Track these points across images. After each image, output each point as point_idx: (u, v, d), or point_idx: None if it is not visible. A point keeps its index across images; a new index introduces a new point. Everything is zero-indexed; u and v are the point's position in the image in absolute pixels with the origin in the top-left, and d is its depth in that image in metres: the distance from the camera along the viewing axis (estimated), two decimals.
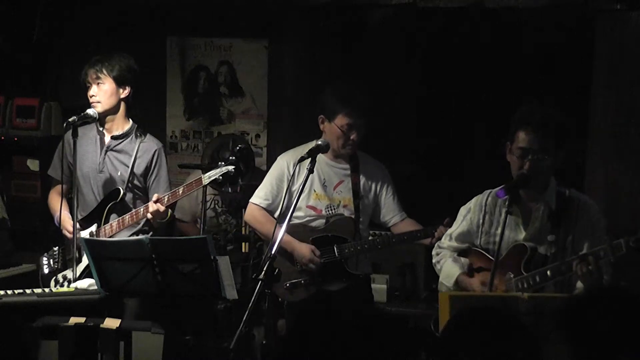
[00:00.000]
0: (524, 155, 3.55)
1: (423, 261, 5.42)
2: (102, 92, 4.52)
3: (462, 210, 3.90)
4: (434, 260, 4.00)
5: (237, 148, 4.17)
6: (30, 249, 5.26)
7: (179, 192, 4.32)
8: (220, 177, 4.13)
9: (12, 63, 6.21)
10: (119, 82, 4.53)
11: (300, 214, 4.44)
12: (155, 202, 4.33)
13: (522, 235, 3.67)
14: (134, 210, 4.47)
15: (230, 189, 4.82)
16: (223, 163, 4.14)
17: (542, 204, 3.63)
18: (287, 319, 4.62)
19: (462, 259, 3.87)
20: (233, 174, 4.13)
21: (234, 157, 4.13)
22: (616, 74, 5.24)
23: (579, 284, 3.50)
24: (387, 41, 5.93)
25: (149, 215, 4.37)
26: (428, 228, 4.36)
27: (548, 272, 3.47)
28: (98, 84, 4.51)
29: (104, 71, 4.50)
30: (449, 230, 3.98)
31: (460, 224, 3.89)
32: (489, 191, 3.78)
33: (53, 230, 4.68)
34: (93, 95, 4.52)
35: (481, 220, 3.78)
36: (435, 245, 4.04)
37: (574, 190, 3.72)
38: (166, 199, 4.35)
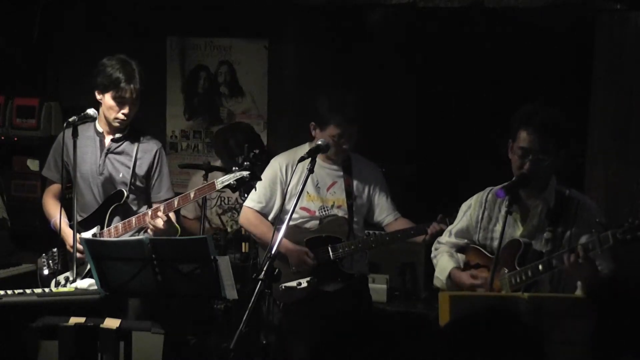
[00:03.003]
0: (525, 155, 3.56)
1: (423, 261, 5.43)
2: (133, 112, 4.48)
3: (463, 207, 3.92)
4: (432, 255, 4.02)
5: (252, 153, 4.10)
6: (30, 249, 5.25)
7: (190, 196, 4.29)
8: (234, 182, 4.10)
9: (12, 63, 6.21)
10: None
11: (294, 216, 4.40)
12: (158, 213, 4.31)
13: (519, 231, 3.68)
14: (141, 214, 4.44)
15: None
16: (237, 168, 4.09)
17: (541, 201, 3.64)
18: (284, 320, 4.62)
19: (459, 255, 3.89)
20: (248, 180, 4.09)
21: (248, 162, 4.08)
22: (616, 74, 5.24)
23: (579, 283, 3.51)
24: (387, 41, 5.93)
25: (150, 226, 4.34)
26: (421, 225, 4.36)
27: (540, 267, 3.48)
28: (135, 104, 4.46)
29: (138, 93, 4.43)
30: (450, 226, 4.00)
31: (460, 220, 3.91)
32: (489, 188, 3.79)
33: (51, 231, 4.66)
34: (127, 114, 4.45)
35: (480, 217, 3.80)
36: (436, 240, 4.06)
37: (574, 190, 3.72)
38: (176, 203, 4.33)
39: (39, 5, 6.27)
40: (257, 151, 4.11)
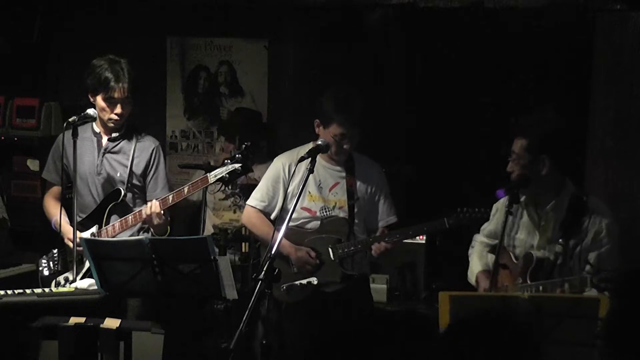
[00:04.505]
0: (512, 155, 3.69)
1: (423, 261, 5.44)
2: (127, 112, 4.47)
3: (494, 208, 4.02)
4: (469, 252, 4.14)
5: (244, 146, 4.15)
6: (30, 249, 5.25)
7: (184, 191, 4.30)
8: (227, 175, 4.11)
9: (12, 63, 6.21)
10: (134, 97, 4.52)
11: (295, 216, 4.38)
12: (152, 206, 4.31)
13: (536, 240, 3.77)
14: (137, 211, 4.44)
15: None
16: (229, 161, 4.12)
17: (554, 209, 3.69)
18: (285, 320, 4.61)
19: (489, 256, 3.99)
20: (240, 172, 4.11)
21: (240, 155, 4.11)
22: (616, 74, 5.23)
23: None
24: (387, 41, 5.93)
25: (144, 215, 4.35)
26: (419, 225, 4.36)
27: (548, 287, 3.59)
28: (127, 103, 4.46)
29: (131, 92, 4.42)
30: (483, 225, 4.10)
31: (490, 222, 4.02)
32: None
33: (51, 232, 4.66)
34: (120, 114, 4.44)
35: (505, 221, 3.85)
36: (473, 237, 4.16)
37: (592, 197, 3.75)
38: (170, 199, 4.33)
39: (39, 5, 6.27)
40: (248, 144, 4.14)
